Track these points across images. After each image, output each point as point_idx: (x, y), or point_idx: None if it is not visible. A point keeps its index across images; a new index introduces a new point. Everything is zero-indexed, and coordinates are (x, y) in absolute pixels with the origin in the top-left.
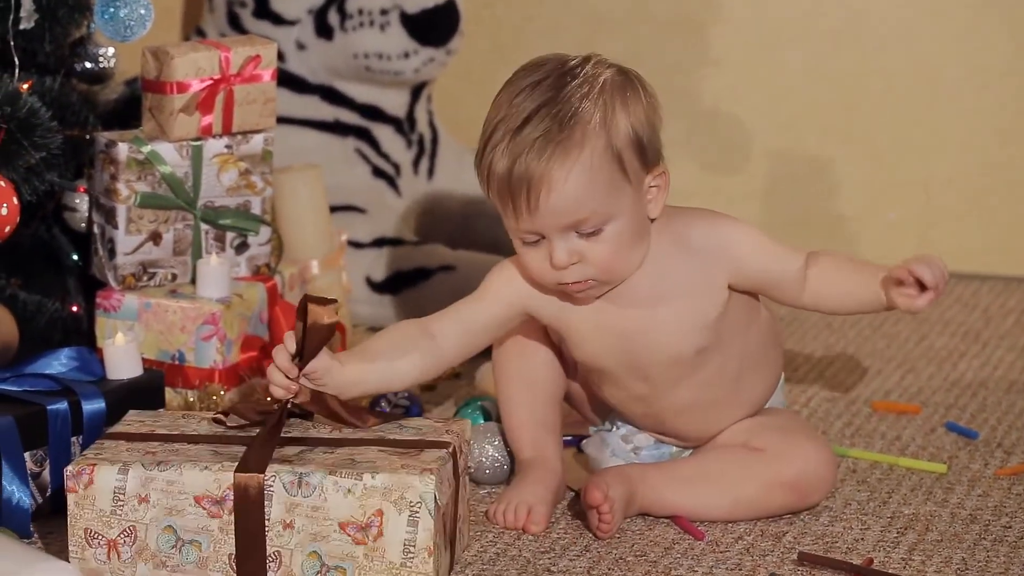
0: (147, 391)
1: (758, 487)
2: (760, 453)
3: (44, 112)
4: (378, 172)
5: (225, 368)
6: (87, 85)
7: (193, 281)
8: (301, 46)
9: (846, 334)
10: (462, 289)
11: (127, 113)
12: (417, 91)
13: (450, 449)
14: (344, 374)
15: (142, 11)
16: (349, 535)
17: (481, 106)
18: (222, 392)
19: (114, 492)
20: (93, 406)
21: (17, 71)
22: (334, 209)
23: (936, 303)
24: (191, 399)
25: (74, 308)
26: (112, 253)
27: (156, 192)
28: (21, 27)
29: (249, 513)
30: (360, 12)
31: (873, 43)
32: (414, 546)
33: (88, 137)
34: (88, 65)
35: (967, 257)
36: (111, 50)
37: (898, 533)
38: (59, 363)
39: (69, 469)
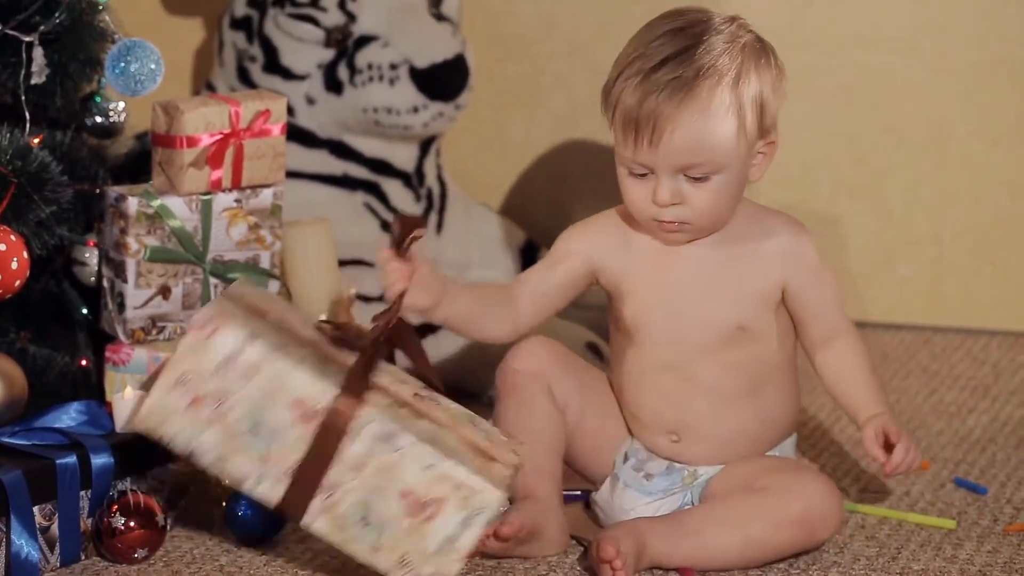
0: (156, 445)
1: (765, 526)
2: (764, 492)
3: (55, 166)
4: (387, 226)
5: None
6: (97, 139)
7: None
8: (311, 100)
9: None
10: (468, 343)
11: (137, 167)
12: (426, 145)
13: (516, 471)
14: (444, 281)
15: (152, 66)
16: (404, 503)
17: (491, 160)
18: None
19: (228, 356)
20: (102, 460)
21: (28, 125)
22: (343, 263)
23: (945, 358)
24: None
25: (83, 362)
26: (121, 307)
27: (166, 246)
28: (32, 82)
29: (330, 439)
30: (369, 67)
31: (883, 99)
32: (454, 545)
33: (98, 191)
34: (99, 119)
35: (977, 312)
36: (121, 104)
37: None
38: (68, 417)
39: (201, 315)
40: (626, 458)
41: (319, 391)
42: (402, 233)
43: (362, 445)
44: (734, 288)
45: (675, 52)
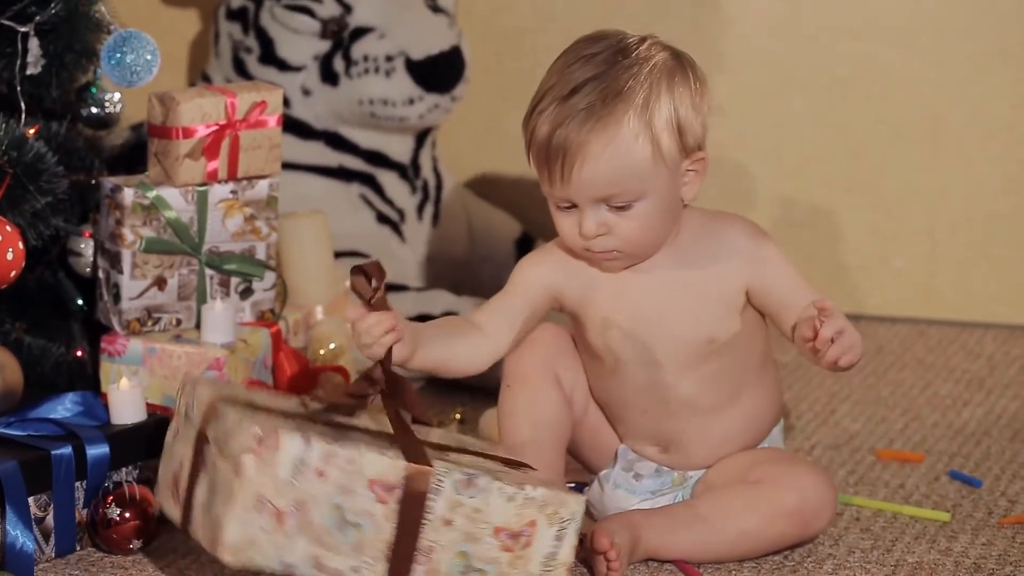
0: (151, 436)
1: (760, 518)
2: (758, 485)
3: (50, 157)
4: (382, 218)
5: None
6: (93, 130)
7: (197, 326)
8: (306, 92)
9: (850, 381)
10: None
11: (133, 158)
12: (422, 137)
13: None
14: (412, 328)
15: (148, 57)
16: (500, 540)
17: (487, 152)
18: None
19: (295, 462)
20: (97, 451)
21: (24, 116)
22: (338, 255)
23: (940, 351)
24: None
25: (79, 353)
26: (117, 298)
27: (161, 237)
28: (28, 72)
29: (414, 505)
30: (365, 59)
31: (879, 92)
32: (555, 560)
33: (94, 182)
34: (94, 110)
35: (972, 305)
36: (117, 95)
37: None
38: (63, 408)
39: (251, 435)
40: (616, 459)
41: (389, 464)
42: (371, 285)
43: (445, 501)
44: (697, 303)
45: (585, 80)
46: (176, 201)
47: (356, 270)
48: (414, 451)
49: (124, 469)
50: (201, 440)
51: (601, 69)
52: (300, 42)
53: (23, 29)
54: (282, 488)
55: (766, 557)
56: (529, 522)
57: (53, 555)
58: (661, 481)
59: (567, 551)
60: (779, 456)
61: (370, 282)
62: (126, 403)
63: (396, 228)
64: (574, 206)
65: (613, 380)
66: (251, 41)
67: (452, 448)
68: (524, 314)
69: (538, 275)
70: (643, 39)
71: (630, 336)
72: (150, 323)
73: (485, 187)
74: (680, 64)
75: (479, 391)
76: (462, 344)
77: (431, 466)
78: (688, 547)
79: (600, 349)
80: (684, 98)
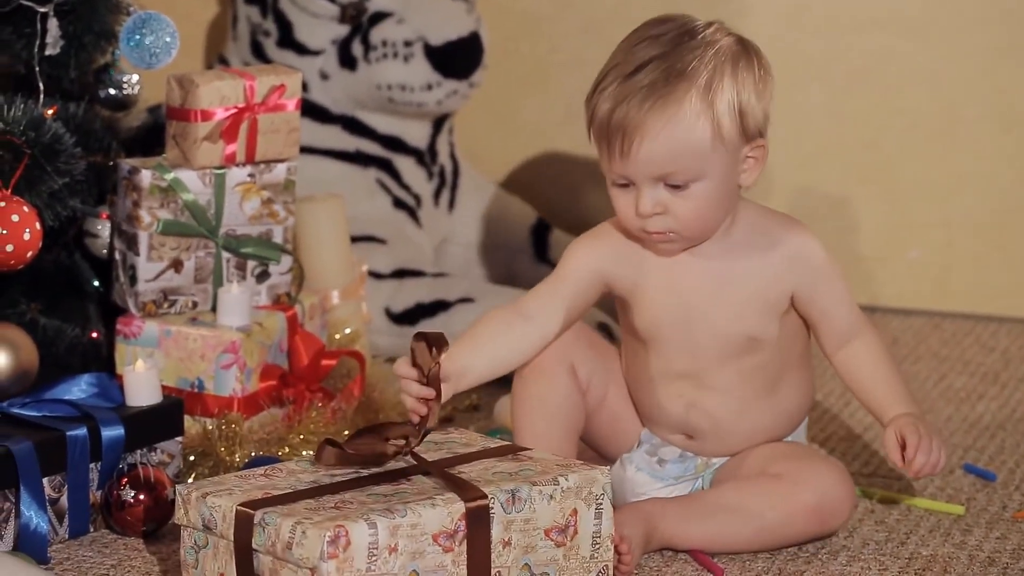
0: (166, 418)
1: (779, 514)
2: (778, 480)
3: (68, 138)
4: (399, 203)
5: (244, 397)
6: (111, 111)
7: (214, 309)
8: (324, 76)
9: None
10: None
11: (150, 140)
12: (439, 123)
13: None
14: (459, 370)
15: (167, 39)
16: (552, 539)
17: (503, 139)
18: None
19: (368, 548)
20: (112, 432)
21: (42, 97)
22: (355, 239)
23: (955, 344)
24: (210, 427)
25: (94, 334)
26: (133, 280)
27: (178, 219)
28: (47, 53)
29: (479, 539)
30: (384, 44)
31: (895, 83)
32: (600, 536)
33: (111, 164)
34: (112, 92)
35: (987, 298)
36: (135, 77)
37: (915, 574)
38: (79, 389)
39: (327, 535)
40: (639, 443)
41: (446, 514)
42: (431, 355)
43: (499, 524)
44: (743, 300)
45: (649, 59)
46: (193, 183)
47: (419, 336)
48: (465, 488)
49: (139, 451)
50: (244, 552)
51: (666, 49)
52: (318, 26)
53: (42, 10)
54: None
55: (781, 548)
56: (571, 512)
57: (67, 536)
58: (684, 467)
59: (608, 523)
60: (800, 452)
61: (430, 351)
62: (141, 385)
63: (412, 213)
64: (631, 184)
65: (650, 364)
66: (269, 24)
67: (456, 459)
68: (574, 299)
69: (589, 260)
70: (710, 23)
71: (676, 322)
72: (166, 305)
73: (501, 173)
74: (745, 50)
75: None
76: (505, 346)
77: (487, 497)
78: (705, 538)
79: (644, 333)
80: (747, 83)
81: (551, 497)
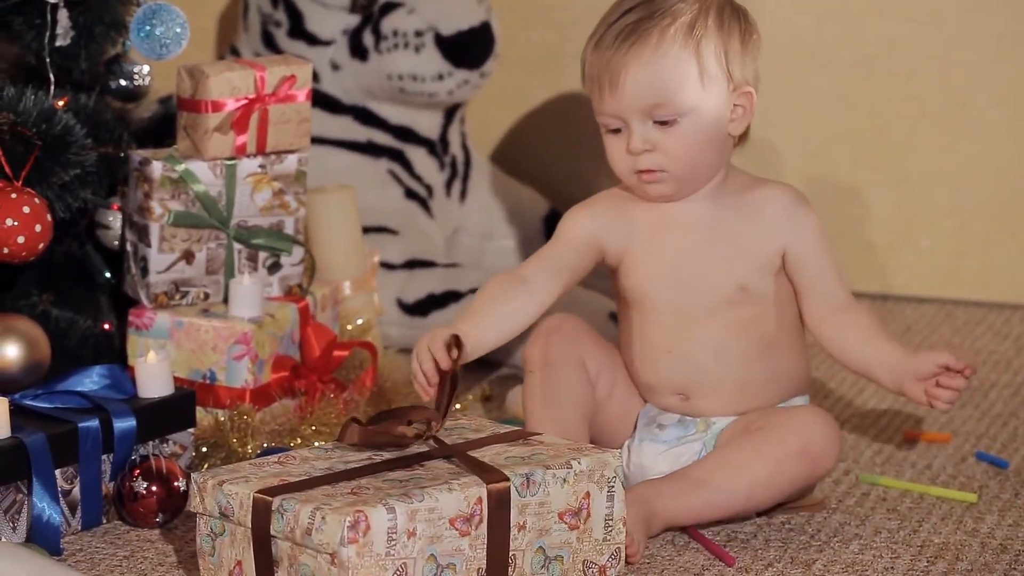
0: (178, 410)
1: (769, 463)
2: (762, 431)
3: (79, 129)
4: (411, 194)
5: (256, 388)
6: (122, 103)
7: (225, 300)
8: (335, 66)
9: None
10: None
11: (161, 131)
12: (451, 113)
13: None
14: (473, 342)
15: (178, 30)
16: (566, 523)
17: (515, 128)
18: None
19: (387, 533)
20: (124, 424)
21: (52, 88)
22: (366, 230)
23: (967, 332)
24: (222, 419)
25: (106, 326)
26: (145, 271)
27: (189, 211)
28: (57, 44)
29: (499, 522)
30: (395, 33)
31: (905, 70)
32: (612, 519)
33: (122, 155)
34: (123, 83)
35: (999, 286)
36: (146, 68)
37: (928, 562)
38: (90, 381)
39: (347, 520)
40: (638, 420)
41: (462, 499)
42: (446, 354)
43: (514, 508)
44: (734, 250)
45: (634, 4)
46: (205, 175)
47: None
48: (487, 471)
49: (151, 442)
50: (262, 538)
51: None
52: (329, 16)
53: (53, 1)
54: (383, 562)
55: (792, 536)
56: (584, 495)
57: (80, 528)
58: (684, 429)
59: (619, 506)
60: (781, 408)
61: (448, 350)
62: (153, 376)
63: (424, 204)
64: (622, 127)
65: (643, 325)
66: (280, 15)
67: (468, 444)
68: (571, 264)
69: (584, 225)
70: None
71: (667, 276)
72: (178, 297)
73: (512, 163)
74: (731, 5)
75: (504, 368)
76: (510, 315)
77: (508, 480)
78: (702, 508)
79: (636, 291)
80: (733, 31)
81: (564, 480)
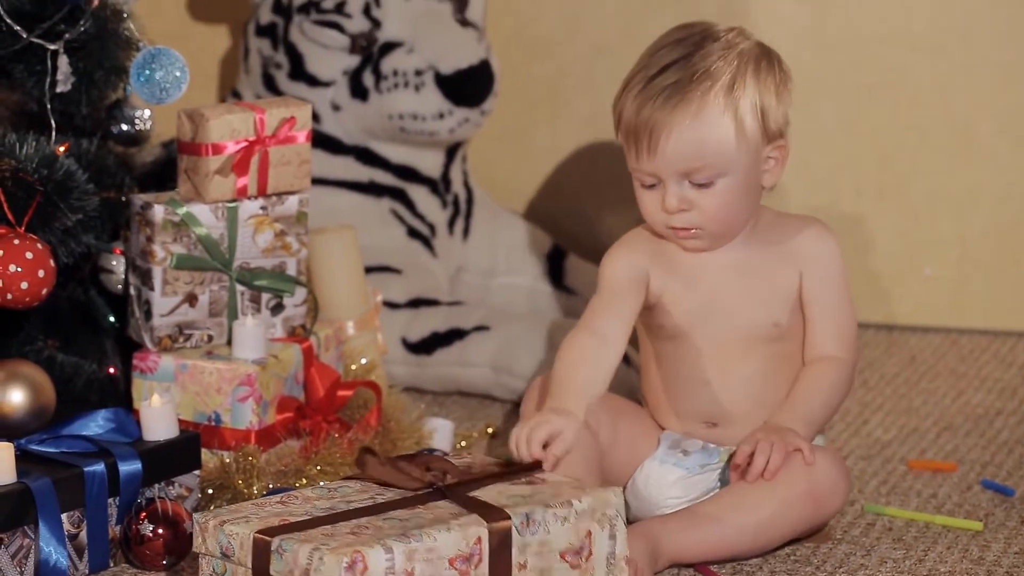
0: (183, 452)
1: (776, 504)
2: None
3: (81, 174)
4: (413, 233)
5: (261, 429)
6: (123, 147)
7: (229, 342)
8: (336, 107)
9: (882, 391)
10: (497, 348)
11: (163, 175)
12: (452, 151)
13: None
14: (579, 422)
15: (178, 73)
16: (568, 562)
17: (517, 165)
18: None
19: (385, 573)
20: (130, 467)
21: (54, 133)
22: (369, 270)
23: (972, 361)
24: (227, 460)
25: (111, 370)
26: (148, 315)
27: (192, 254)
28: (58, 90)
29: (500, 562)
30: (395, 73)
31: (907, 98)
32: (614, 557)
33: (124, 199)
34: (124, 127)
35: (1003, 313)
36: (147, 112)
37: None
38: (96, 424)
39: (345, 561)
40: (659, 443)
41: (461, 537)
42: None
43: (515, 547)
44: (767, 288)
45: (673, 60)
46: (206, 217)
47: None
48: (488, 510)
49: (157, 485)
50: None
51: (689, 50)
52: (329, 57)
53: (53, 47)
54: None
55: (798, 568)
56: (586, 534)
57: (87, 571)
58: (708, 456)
59: (621, 544)
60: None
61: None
62: (158, 419)
63: (427, 243)
64: (658, 183)
65: (676, 354)
66: (281, 57)
67: (470, 482)
68: (633, 308)
69: (627, 266)
70: (732, 28)
71: (701, 313)
72: (181, 339)
73: (514, 199)
74: (766, 53)
75: (510, 404)
76: (596, 378)
77: (509, 519)
78: (709, 546)
79: (674, 329)
80: (769, 84)
81: (565, 519)
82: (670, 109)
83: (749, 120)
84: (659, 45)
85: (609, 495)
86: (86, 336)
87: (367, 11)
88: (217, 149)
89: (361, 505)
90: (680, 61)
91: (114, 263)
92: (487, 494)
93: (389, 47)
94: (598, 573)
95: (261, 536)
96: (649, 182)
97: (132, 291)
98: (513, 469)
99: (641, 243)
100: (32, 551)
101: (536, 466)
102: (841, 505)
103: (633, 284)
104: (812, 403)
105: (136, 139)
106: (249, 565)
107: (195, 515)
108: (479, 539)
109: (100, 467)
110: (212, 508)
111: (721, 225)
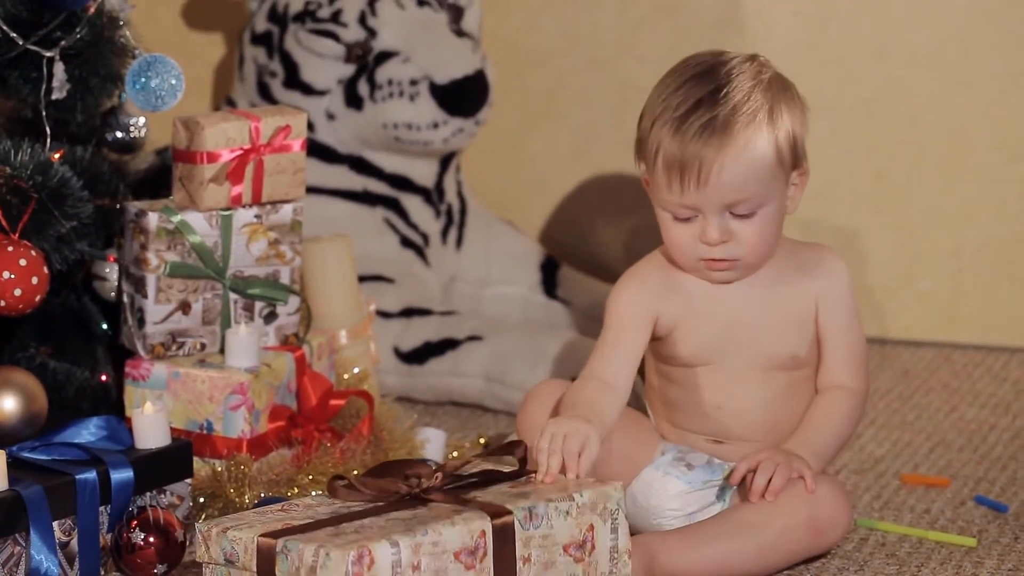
0: (175, 460)
1: (777, 530)
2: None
3: (75, 182)
4: (406, 242)
5: (253, 438)
6: (118, 155)
7: (222, 351)
8: (331, 116)
9: (875, 405)
10: (490, 358)
11: (157, 182)
12: (446, 161)
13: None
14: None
15: (173, 81)
16: (571, 555)
17: (511, 175)
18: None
19: (392, 567)
20: (121, 475)
21: (49, 140)
22: (362, 279)
23: (966, 376)
24: (219, 469)
25: (103, 377)
26: (141, 322)
27: (186, 261)
28: (53, 97)
29: (504, 556)
30: (390, 83)
31: (903, 113)
32: (617, 551)
33: (118, 206)
34: (119, 135)
35: (998, 329)
36: (142, 120)
37: None
38: (88, 432)
39: (351, 556)
40: (662, 453)
41: (466, 531)
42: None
43: (519, 540)
44: (783, 319)
45: (706, 95)
46: (200, 225)
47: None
48: (490, 505)
49: (148, 493)
50: None
51: (720, 83)
52: (324, 66)
53: (48, 54)
54: None
55: None
56: (588, 527)
57: None
58: (712, 472)
59: (624, 538)
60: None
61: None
62: (150, 427)
63: (420, 252)
64: (694, 216)
65: (689, 383)
66: (276, 65)
67: (469, 485)
68: (639, 346)
69: (638, 302)
70: (750, 57)
71: (716, 345)
72: (174, 347)
73: (508, 209)
74: (787, 82)
75: (503, 414)
76: (607, 421)
77: (511, 513)
78: (707, 564)
79: (690, 359)
80: (796, 111)
81: (567, 513)
82: (718, 144)
83: (785, 148)
84: (679, 81)
85: (610, 489)
86: (79, 343)
87: (363, 20)
88: (212, 157)
89: (363, 508)
90: (714, 95)
91: (107, 270)
92: (487, 494)
93: (384, 56)
94: (602, 567)
95: (265, 539)
96: (685, 215)
97: (125, 298)
98: (507, 475)
99: (654, 276)
100: (23, 559)
101: (525, 472)
102: (842, 535)
103: (640, 320)
104: (824, 434)
105: (131, 146)
106: (254, 569)
107: (197, 524)
108: (483, 532)
109: (92, 475)
110: (204, 516)
111: (759, 255)
